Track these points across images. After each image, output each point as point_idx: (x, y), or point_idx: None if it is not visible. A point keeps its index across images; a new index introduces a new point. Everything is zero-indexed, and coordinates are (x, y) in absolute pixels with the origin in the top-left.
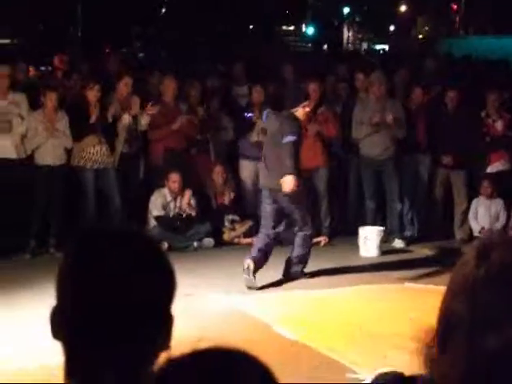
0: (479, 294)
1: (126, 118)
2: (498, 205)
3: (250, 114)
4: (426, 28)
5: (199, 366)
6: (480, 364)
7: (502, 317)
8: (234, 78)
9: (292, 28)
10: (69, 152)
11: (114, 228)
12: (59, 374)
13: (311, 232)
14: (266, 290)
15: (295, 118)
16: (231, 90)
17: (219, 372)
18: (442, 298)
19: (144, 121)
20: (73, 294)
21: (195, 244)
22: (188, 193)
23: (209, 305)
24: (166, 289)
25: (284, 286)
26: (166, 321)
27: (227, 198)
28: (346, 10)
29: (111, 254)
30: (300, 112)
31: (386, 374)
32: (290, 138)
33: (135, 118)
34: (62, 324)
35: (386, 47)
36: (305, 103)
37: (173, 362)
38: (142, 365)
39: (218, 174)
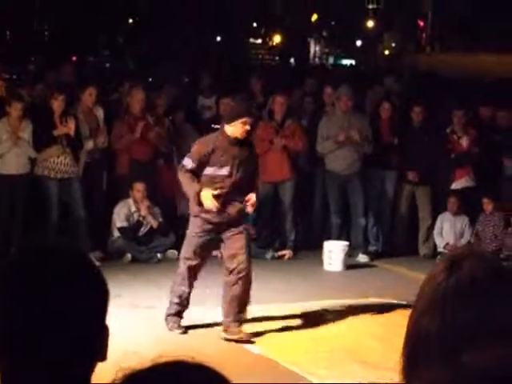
0: (450, 306)
1: (90, 144)
2: (463, 221)
3: (217, 126)
4: (393, 44)
5: (158, 379)
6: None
7: (475, 329)
8: (201, 89)
9: (259, 41)
10: (33, 161)
11: (42, 243)
12: None
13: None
14: None
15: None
16: (196, 101)
17: None
18: (410, 315)
19: (89, 145)
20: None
21: (159, 255)
22: (146, 204)
23: None
24: (98, 301)
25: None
26: (100, 332)
27: None
28: (314, 17)
29: (33, 271)
30: (234, 128)
31: None
32: (183, 161)
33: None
34: None
35: (353, 62)
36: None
37: (131, 376)
38: (72, 375)
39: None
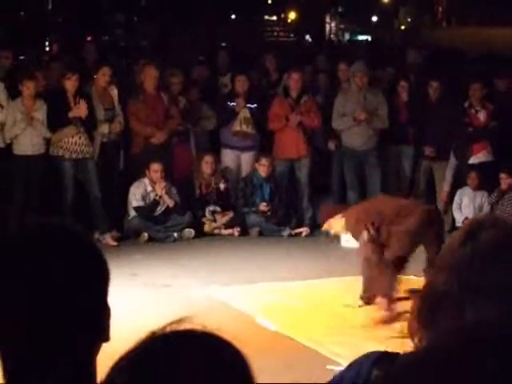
0: (466, 270)
1: (105, 128)
2: (482, 196)
3: (232, 104)
4: (409, 19)
5: (174, 346)
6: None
7: (487, 294)
8: (217, 67)
9: (275, 18)
10: (48, 142)
11: (34, 224)
12: None
13: None
14: (248, 281)
15: None
16: (214, 79)
17: (193, 355)
18: (429, 276)
19: (105, 130)
20: None
21: (175, 234)
22: (163, 184)
23: (188, 296)
24: (98, 280)
25: (265, 277)
26: (102, 312)
27: (213, 189)
28: None
29: (30, 249)
30: None
31: (369, 352)
32: None
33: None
34: None
35: (369, 38)
36: None
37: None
38: (76, 357)
39: (207, 163)
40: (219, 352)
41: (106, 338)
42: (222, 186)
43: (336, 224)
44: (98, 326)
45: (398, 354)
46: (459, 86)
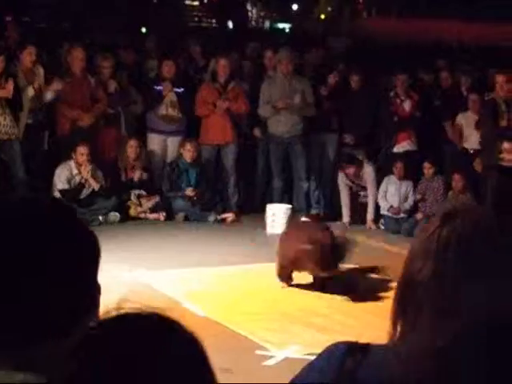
0: (441, 256)
1: (31, 91)
2: (407, 186)
3: (159, 87)
4: (329, 8)
5: (129, 327)
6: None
7: (463, 279)
8: (144, 51)
9: (196, 3)
10: None
11: (19, 198)
12: None
13: None
14: (174, 266)
15: None
16: (141, 63)
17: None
18: (403, 265)
19: (49, 96)
20: None
21: (100, 218)
22: (89, 167)
23: (115, 281)
24: (86, 255)
25: (191, 262)
26: (92, 289)
27: (137, 174)
28: None
29: (17, 224)
30: None
31: (337, 342)
32: None
33: (39, 89)
34: None
35: (289, 26)
36: None
37: (101, 325)
38: (66, 336)
39: (132, 147)
40: (174, 331)
41: (96, 316)
42: (143, 172)
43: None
44: (86, 304)
45: (368, 344)
46: (381, 75)
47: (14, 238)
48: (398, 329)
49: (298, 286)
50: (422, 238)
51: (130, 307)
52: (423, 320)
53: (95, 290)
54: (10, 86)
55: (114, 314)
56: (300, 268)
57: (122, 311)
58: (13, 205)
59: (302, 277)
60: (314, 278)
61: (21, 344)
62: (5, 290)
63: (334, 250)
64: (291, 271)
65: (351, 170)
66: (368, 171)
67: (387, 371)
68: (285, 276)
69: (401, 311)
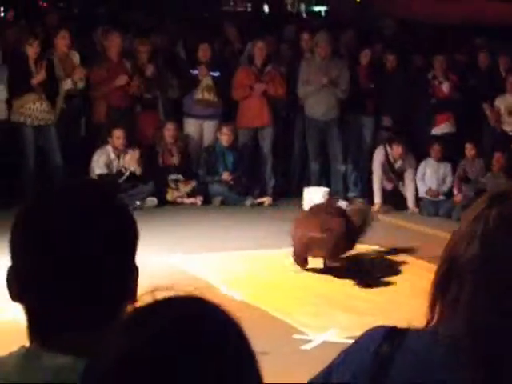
0: (490, 237)
1: (68, 83)
2: (445, 168)
3: (195, 72)
4: None
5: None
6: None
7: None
8: (177, 36)
9: None
10: (9, 108)
11: (61, 181)
12: None
13: None
14: (210, 250)
15: None
16: (175, 46)
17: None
18: (445, 247)
19: (82, 84)
20: (25, 252)
21: (138, 203)
22: (136, 151)
23: (152, 265)
24: (126, 239)
25: (228, 246)
26: (130, 272)
27: (175, 158)
28: None
29: (60, 208)
30: None
31: (376, 326)
32: None
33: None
34: (18, 285)
35: (325, 8)
36: None
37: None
38: (107, 320)
39: (169, 131)
40: (215, 315)
41: (134, 299)
42: (179, 155)
43: None
44: (127, 287)
45: (407, 329)
46: (419, 56)
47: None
48: (436, 312)
49: (335, 268)
50: (468, 220)
51: (163, 292)
52: (464, 300)
53: (137, 273)
54: (43, 69)
55: (148, 299)
56: (312, 254)
57: (158, 297)
58: (68, 189)
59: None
60: (324, 264)
61: (83, 328)
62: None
63: (349, 235)
64: (305, 256)
65: (399, 149)
66: (409, 156)
67: (424, 355)
68: (299, 260)
69: (441, 293)
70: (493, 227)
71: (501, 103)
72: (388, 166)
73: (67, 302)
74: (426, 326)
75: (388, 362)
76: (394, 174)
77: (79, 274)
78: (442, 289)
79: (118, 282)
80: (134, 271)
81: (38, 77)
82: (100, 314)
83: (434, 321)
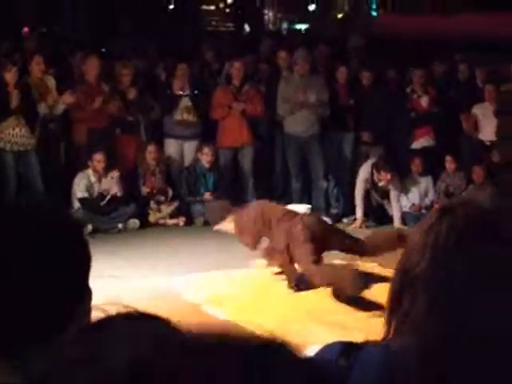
0: (441, 247)
1: (43, 107)
2: (427, 182)
3: (175, 92)
4: (346, 7)
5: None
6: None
7: (464, 270)
8: (153, 58)
9: (213, 8)
10: None
11: (17, 204)
12: None
13: None
14: (194, 271)
15: None
16: (156, 69)
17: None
18: (400, 258)
19: (60, 109)
20: None
21: (120, 225)
22: (116, 174)
23: (135, 287)
24: (79, 261)
25: (212, 266)
26: (83, 294)
27: (158, 179)
28: None
29: (14, 229)
30: None
31: (333, 343)
32: None
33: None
34: None
35: (307, 26)
36: None
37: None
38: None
39: (151, 153)
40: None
41: (88, 321)
42: (162, 180)
43: (227, 226)
44: (81, 309)
45: (364, 343)
46: (396, 71)
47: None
48: (392, 325)
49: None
50: (420, 232)
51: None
52: (415, 314)
53: (90, 295)
54: (17, 94)
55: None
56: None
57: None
58: (7, 209)
59: None
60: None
61: (16, 345)
62: None
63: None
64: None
65: (387, 176)
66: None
67: (379, 369)
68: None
69: (395, 306)
70: (443, 240)
71: (478, 110)
72: (372, 184)
73: (15, 323)
74: (383, 339)
75: (345, 376)
76: (377, 192)
77: (27, 296)
78: (396, 302)
79: (68, 305)
80: (85, 293)
81: (13, 102)
82: (48, 334)
83: (390, 333)
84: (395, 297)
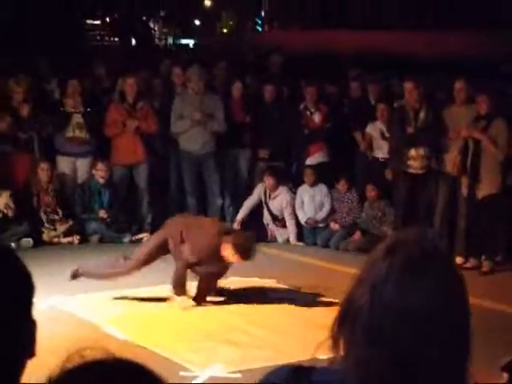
0: (380, 286)
1: None
2: (321, 192)
3: (62, 109)
4: (231, 23)
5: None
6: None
7: (398, 312)
8: (42, 73)
9: (98, 22)
10: None
11: None
12: None
13: None
14: (91, 291)
15: None
16: (46, 84)
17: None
18: (348, 287)
19: None
20: None
21: (13, 245)
22: (7, 193)
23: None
24: (22, 292)
25: (108, 285)
26: (27, 326)
27: (51, 197)
28: None
29: None
30: None
31: (279, 367)
32: None
33: None
34: None
35: (192, 41)
36: None
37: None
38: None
39: (43, 170)
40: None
41: (32, 354)
42: (56, 198)
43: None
44: (23, 341)
45: (313, 367)
46: (294, 87)
47: None
48: (340, 346)
49: (216, 303)
50: (365, 266)
51: (91, 354)
52: (354, 345)
53: (32, 326)
54: None
55: (76, 361)
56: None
57: (86, 359)
58: None
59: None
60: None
61: None
62: None
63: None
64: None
65: (270, 181)
66: (283, 191)
67: None
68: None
69: (339, 333)
70: (382, 279)
71: (372, 130)
72: (265, 205)
73: None
74: (332, 363)
75: None
76: (270, 215)
77: None
78: (340, 329)
79: (12, 337)
80: (30, 324)
81: None
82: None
83: (339, 355)
84: (340, 324)
